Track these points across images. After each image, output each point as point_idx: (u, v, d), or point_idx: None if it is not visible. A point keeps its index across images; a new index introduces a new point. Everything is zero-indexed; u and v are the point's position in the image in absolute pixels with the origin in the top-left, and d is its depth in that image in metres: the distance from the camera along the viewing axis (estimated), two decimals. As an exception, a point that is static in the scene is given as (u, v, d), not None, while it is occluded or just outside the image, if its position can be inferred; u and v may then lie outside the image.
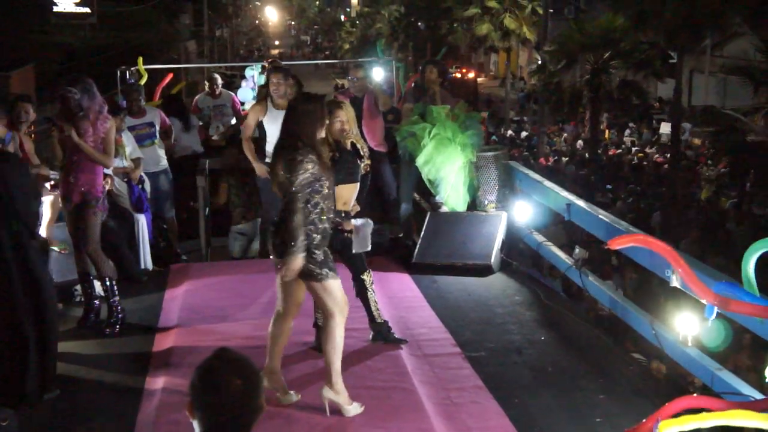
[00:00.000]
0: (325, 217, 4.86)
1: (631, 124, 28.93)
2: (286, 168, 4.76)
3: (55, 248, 7.49)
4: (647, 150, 25.66)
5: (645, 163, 23.62)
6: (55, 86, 6.43)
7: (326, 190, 4.87)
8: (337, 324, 4.91)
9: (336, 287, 4.92)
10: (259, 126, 7.85)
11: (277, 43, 74.70)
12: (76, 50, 24.05)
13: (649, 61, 23.08)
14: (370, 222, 5.65)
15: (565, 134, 29.07)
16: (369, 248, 5.72)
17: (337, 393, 4.93)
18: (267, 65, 12.34)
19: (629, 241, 4.80)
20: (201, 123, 10.73)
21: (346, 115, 5.74)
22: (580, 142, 27.41)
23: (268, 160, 7.94)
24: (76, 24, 25.77)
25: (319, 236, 4.82)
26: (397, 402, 5.12)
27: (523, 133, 30.61)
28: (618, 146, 26.89)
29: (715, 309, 4.27)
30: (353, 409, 4.97)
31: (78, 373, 5.66)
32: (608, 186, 20.60)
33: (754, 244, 4.27)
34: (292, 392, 5.12)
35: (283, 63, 12.50)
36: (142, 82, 11.06)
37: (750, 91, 17.96)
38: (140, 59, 11.49)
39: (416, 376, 5.48)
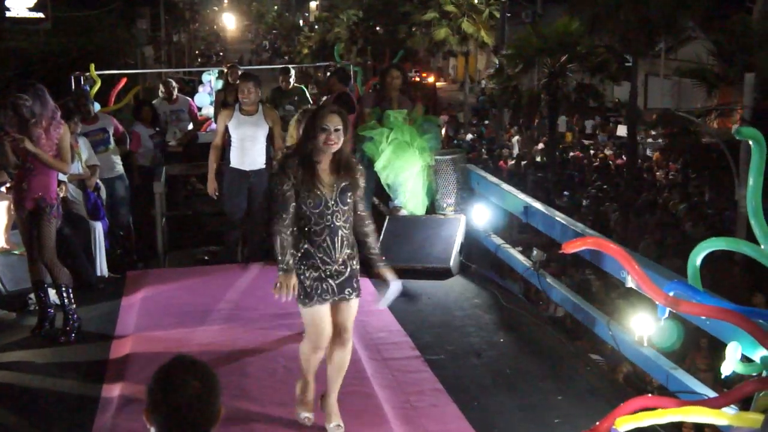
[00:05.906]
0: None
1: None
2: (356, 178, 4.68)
3: (16, 252, 7.39)
4: (606, 152, 25.90)
5: (607, 164, 23.83)
6: (6, 93, 6.31)
7: None
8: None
9: None
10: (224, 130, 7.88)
11: (220, 53, 73.20)
12: (31, 56, 23.68)
13: (605, 64, 23.32)
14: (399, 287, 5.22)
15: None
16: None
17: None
18: (226, 70, 12.31)
19: (582, 244, 4.83)
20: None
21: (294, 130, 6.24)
22: (539, 145, 27.53)
23: (232, 164, 7.90)
24: (30, 29, 25.39)
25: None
26: (357, 406, 5.11)
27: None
28: (581, 149, 27.06)
29: (668, 309, 4.33)
30: None
31: (33, 383, 5.58)
32: (565, 192, 20.73)
33: (702, 243, 4.36)
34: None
35: (241, 68, 12.49)
36: (96, 88, 10.93)
37: (703, 93, 18.21)
38: (92, 66, 11.37)
39: (376, 380, 5.48)
